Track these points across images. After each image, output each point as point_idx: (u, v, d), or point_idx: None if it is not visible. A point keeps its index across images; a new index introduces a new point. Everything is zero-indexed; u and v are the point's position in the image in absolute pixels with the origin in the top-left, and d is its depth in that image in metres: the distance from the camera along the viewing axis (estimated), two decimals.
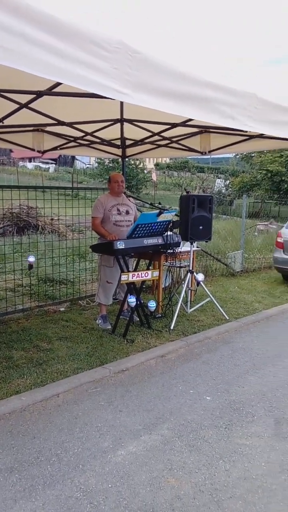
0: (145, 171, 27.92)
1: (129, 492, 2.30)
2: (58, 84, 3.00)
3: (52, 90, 3.05)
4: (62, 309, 5.44)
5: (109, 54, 2.42)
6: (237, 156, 33.29)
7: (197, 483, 2.40)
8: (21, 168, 38.90)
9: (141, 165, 26.50)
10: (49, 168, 44.24)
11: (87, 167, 44.40)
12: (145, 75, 2.64)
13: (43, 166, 43.65)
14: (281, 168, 23.15)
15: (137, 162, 25.02)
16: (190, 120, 4.35)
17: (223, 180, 35.61)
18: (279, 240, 7.72)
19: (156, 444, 2.75)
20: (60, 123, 4.25)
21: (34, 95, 3.25)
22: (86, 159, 45.22)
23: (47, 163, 45.32)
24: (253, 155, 25.72)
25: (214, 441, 2.82)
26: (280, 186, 23.57)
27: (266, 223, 16.13)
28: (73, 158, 43.32)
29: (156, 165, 50.36)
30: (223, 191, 30.99)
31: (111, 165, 26.07)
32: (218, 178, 39.87)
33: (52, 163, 45.81)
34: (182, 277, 5.75)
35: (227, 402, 3.35)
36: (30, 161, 45.81)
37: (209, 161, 52.42)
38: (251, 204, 21.21)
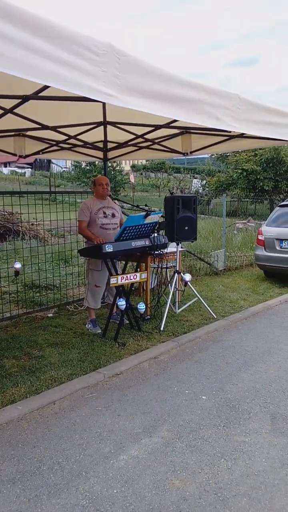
0: (123, 173, 27.91)
1: (135, 497, 2.29)
2: (45, 88, 2.97)
3: (39, 94, 3.01)
4: (50, 315, 5.38)
5: (97, 57, 2.41)
6: (213, 156, 33.61)
7: (201, 483, 2.41)
8: None
9: (118, 167, 26.47)
10: (25, 172, 43.73)
11: (64, 170, 44.05)
12: (133, 78, 2.65)
13: (19, 170, 43.11)
14: (256, 167, 23.52)
15: (114, 164, 24.98)
16: (173, 121, 4.38)
17: (200, 180, 35.95)
18: (260, 237, 7.84)
19: (157, 447, 2.74)
20: (44, 127, 4.21)
21: (20, 100, 3.20)
22: (62, 162, 44.89)
23: (23, 167, 44.77)
24: (228, 154, 26.03)
25: (214, 440, 2.84)
26: (255, 184, 23.93)
27: (244, 221, 16.38)
28: (49, 162, 42.92)
29: (133, 166, 50.44)
30: (200, 191, 31.27)
31: (88, 167, 25.96)
32: (195, 178, 40.24)
33: (28, 168, 45.29)
34: (169, 278, 5.76)
35: (223, 400, 3.38)
36: (5, 166, 45.16)
37: (184, 161, 52.79)
38: (228, 203, 21.47)
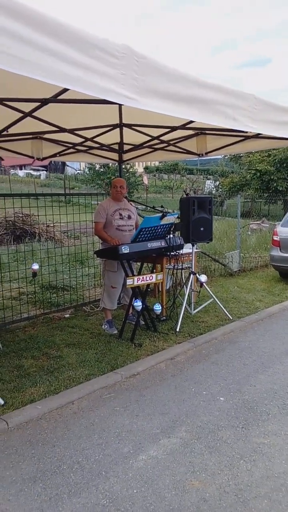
0: (136, 175, 27.97)
1: (155, 497, 2.30)
2: (63, 91, 3.01)
3: (58, 98, 3.05)
4: (67, 315, 5.43)
5: (117, 60, 2.44)
6: (226, 157, 33.49)
7: (221, 485, 2.41)
8: (12, 176, 38.76)
9: (131, 169, 26.54)
10: (40, 175, 44.16)
11: (78, 172, 44.36)
12: (151, 80, 2.67)
13: (34, 173, 43.55)
14: (269, 167, 23.35)
15: (128, 166, 25.06)
16: (189, 122, 4.38)
17: (213, 181, 35.84)
18: (275, 238, 7.78)
19: (176, 447, 2.75)
20: (62, 130, 4.25)
21: (39, 103, 3.24)
22: (76, 164, 45.20)
23: (38, 170, 45.22)
24: (241, 155, 25.89)
25: (233, 441, 2.83)
26: (269, 185, 23.75)
27: (258, 222, 16.26)
28: (64, 164, 43.26)
29: (146, 168, 50.51)
30: (214, 192, 31.16)
31: (102, 169, 26.07)
32: (208, 179, 40.12)
33: (43, 170, 45.73)
34: (184, 279, 5.76)
35: (241, 401, 3.36)
36: (21, 169, 45.68)
37: (197, 162, 52.66)
38: (242, 204, 21.33)
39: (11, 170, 43.13)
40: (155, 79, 2.68)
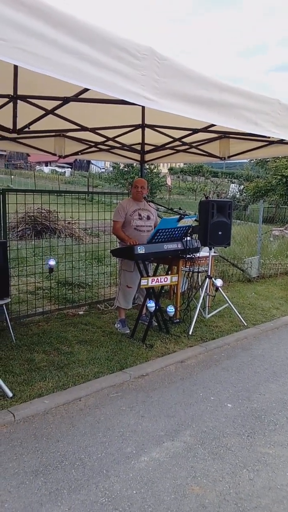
0: (160, 176, 27.97)
1: (153, 499, 2.29)
2: (85, 90, 3.04)
3: (79, 97, 3.08)
4: (81, 312, 5.47)
5: (138, 61, 2.44)
6: (252, 161, 33.14)
7: (221, 492, 2.38)
8: (38, 172, 39.39)
9: (155, 170, 26.55)
10: (65, 172, 44.73)
11: (102, 171, 44.69)
12: (172, 82, 2.67)
13: (59, 170, 44.15)
14: None
15: (152, 167, 25.08)
16: (211, 125, 4.35)
17: (237, 185, 35.52)
18: None
19: (179, 451, 2.74)
20: (84, 128, 4.29)
21: (61, 101, 3.28)
22: (101, 163, 45.56)
23: (63, 167, 45.81)
24: (268, 160, 25.57)
25: (237, 449, 2.80)
26: None
27: (281, 228, 16.00)
28: (89, 162, 43.70)
29: (170, 169, 50.43)
30: (238, 196, 30.88)
31: (126, 169, 26.19)
32: (233, 183, 39.78)
33: (68, 167, 46.29)
34: (200, 282, 5.73)
35: (249, 409, 3.32)
36: (46, 165, 46.36)
37: (223, 166, 52.26)
38: (266, 209, 21.06)
39: (37, 166, 43.83)
40: (175, 81, 2.67)
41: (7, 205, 4.63)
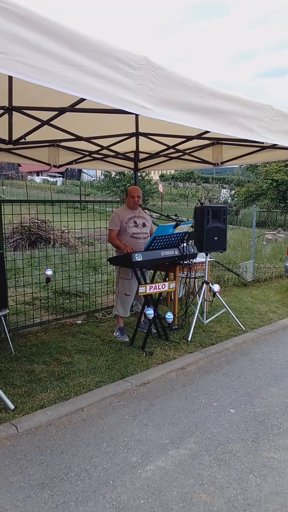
0: (152, 183, 28.08)
1: (162, 509, 2.27)
2: (80, 100, 3.05)
3: (74, 107, 3.10)
4: (79, 321, 5.45)
5: (133, 71, 2.47)
6: (242, 166, 33.41)
7: (229, 499, 2.37)
8: (29, 182, 39.35)
9: (147, 177, 26.66)
10: (56, 181, 44.74)
11: (94, 179, 44.77)
12: (167, 91, 2.70)
13: (51, 179, 44.14)
14: (286, 177, 23.21)
15: (143, 174, 25.19)
16: (205, 132, 4.40)
17: (229, 190, 35.75)
18: None
19: (185, 459, 2.72)
20: (78, 138, 4.31)
21: (56, 112, 3.30)
22: (92, 171, 45.65)
23: (54, 176, 45.81)
24: (258, 165, 25.80)
25: (243, 454, 2.79)
26: (285, 195, 23.61)
27: (274, 232, 16.11)
28: (80, 171, 43.75)
29: (161, 176, 50.64)
30: (229, 201, 31.07)
31: (117, 177, 26.27)
32: (224, 188, 40.03)
33: (59, 177, 46.30)
34: (197, 288, 5.74)
35: (252, 414, 3.32)
36: (38, 175, 46.33)
37: (213, 171, 52.60)
38: (257, 214, 21.22)
39: (28, 176, 43.79)
40: (171, 89, 2.70)
41: (2, 215, 4.62)
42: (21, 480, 2.47)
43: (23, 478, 2.50)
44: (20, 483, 2.45)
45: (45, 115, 3.58)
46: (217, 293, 5.17)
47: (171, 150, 5.32)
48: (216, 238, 5.20)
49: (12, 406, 3.18)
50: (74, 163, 5.64)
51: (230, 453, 2.81)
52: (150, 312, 4.40)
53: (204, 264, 5.47)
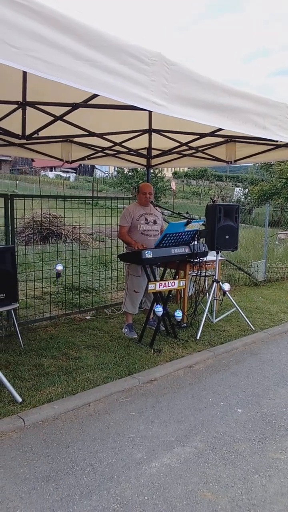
0: (164, 180, 28.01)
1: (166, 506, 2.28)
2: (93, 96, 3.05)
3: (88, 103, 3.10)
4: (88, 317, 5.47)
5: (147, 67, 2.46)
6: (256, 165, 33.13)
7: (234, 498, 2.36)
8: (42, 177, 39.58)
9: (160, 174, 26.60)
10: (69, 177, 44.93)
11: (106, 175, 44.85)
12: (181, 87, 2.68)
13: (64, 175, 44.35)
14: None
15: (156, 171, 25.14)
16: (218, 130, 4.36)
17: (242, 189, 35.48)
18: None
19: (190, 457, 2.72)
20: (91, 134, 4.31)
21: (69, 108, 3.30)
22: (105, 168, 45.74)
23: (67, 172, 46.03)
24: (272, 163, 25.54)
25: (248, 454, 2.78)
26: None
27: (287, 232, 15.95)
28: (93, 167, 43.87)
29: (174, 173, 50.47)
30: (242, 199, 30.84)
31: (130, 173, 26.26)
32: (237, 186, 39.75)
33: (72, 172, 46.49)
34: (207, 286, 5.72)
35: (259, 414, 3.30)
36: (51, 170, 46.59)
37: (227, 169, 52.26)
38: (271, 213, 20.97)
39: (42, 172, 44.06)
40: (184, 86, 2.69)
41: (15, 210, 4.65)
42: (27, 472, 2.50)
43: (29, 470, 2.52)
44: (26, 475, 2.48)
45: (58, 111, 3.59)
46: (227, 292, 5.14)
47: (184, 147, 5.29)
48: (227, 236, 5.16)
49: (19, 399, 3.21)
50: (86, 159, 5.65)
51: (236, 452, 2.80)
52: (159, 309, 4.40)
53: (214, 263, 5.44)
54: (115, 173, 30.27)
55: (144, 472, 2.54)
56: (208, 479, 2.52)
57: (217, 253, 5.31)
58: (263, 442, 2.93)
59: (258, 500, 2.36)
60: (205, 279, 5.76)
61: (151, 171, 6.56)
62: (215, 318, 5.44)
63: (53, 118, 3.63)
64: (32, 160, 35.09)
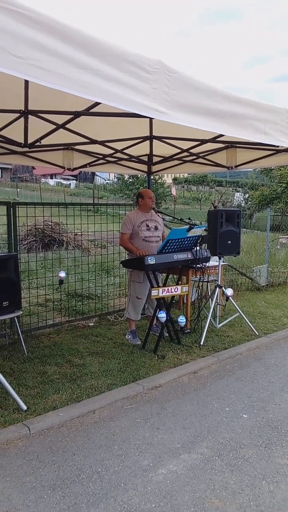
0: (165, 186, 28.09)
1: None
2: (95, 104, 3.08)
3: (89, 111, 3.12)
4: (91, 324, 5.47)
5: (149, 75, 2.48)
6: (256, 170, 33.21)
7: (241, 505, 2.35)
8: (43, 185, 39.72)
9: (160, 180, 26.68)
10: (70, 184, 45.09)
11: (107, 182, 45.00)
12: (182, 94, 2.71)
13: (65, 182, 44.51)
14: None
15: (157, 177, 25.21)
16: (220, 136, 4.39)
17: (242, 194, 35.53)
18: None
19: (197, 463, 2.71)
20: (93, 141, 4.34)
21: (72, 116, 3.33)
22: (105, 174, 45.89)
23: (68, 179, 46.20)
24: (272, 168, 25.61)
25: (255, 460, 2.76)
26: None
27: None
28: (93, 174, 44.05)
29: (174, 179, 50.61)
30: (243, 204, 30.88)
31: (130, 180, 26.34)
32: (237, 191, 39.82)
33: (73, 179, 46.67)
34: (210, 292, 5.71)
35: (265, 420, 3.28)
36: (51, 178, 46.76)
37: (227, 175, 52.39)
38: (272, 217, 21.00)
39: (42, 179, 44.23)
40: (186, 93, 2.71)
41: (17, 218, 4.67)
42: (33, 481, 2.49)
43: (35, 478, 2.51)
44: (32, 484, 2.46)
45: (60, 119, 3.61)
46: (230, 297, 5.14)
47: (185, 154, 5.32)
48: (229, 241, 5.17)
49: (24, 407, 3.20)
50: (88, 166, 5.68)
51: (243, 458, 2.78)
52: (162, 315, 4.40)
53: (217, 268, 5.44)
54: (116, 179, 30.35)
55: (151, 480, 2.53)
56: (215, 485, 2.50)
57: (220, 258, 5.31)
58: (269, 447, 2.91)
59: (266, 506, 2.34)
60: (207, 285, 5.76)
61: (152, 177, 6.58)
62: (219, 324, 5.43)
63: (55, 126, 3.66)
64: (33, 167, 35.25)
